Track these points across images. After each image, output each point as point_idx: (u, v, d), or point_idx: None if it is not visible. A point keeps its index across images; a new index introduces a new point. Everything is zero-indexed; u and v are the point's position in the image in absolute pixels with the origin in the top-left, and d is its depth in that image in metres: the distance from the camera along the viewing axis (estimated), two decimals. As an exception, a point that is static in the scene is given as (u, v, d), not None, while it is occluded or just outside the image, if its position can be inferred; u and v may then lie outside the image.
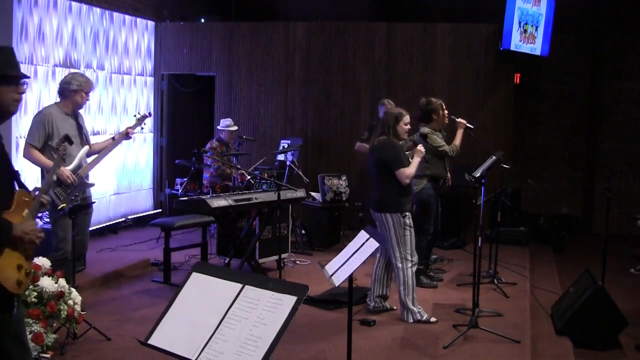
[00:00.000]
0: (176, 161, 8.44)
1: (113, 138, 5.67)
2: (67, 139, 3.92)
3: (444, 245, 8.02)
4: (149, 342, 2.67)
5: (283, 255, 6.78)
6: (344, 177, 8.26)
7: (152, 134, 9.48)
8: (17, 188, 2.95)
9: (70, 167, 5.19)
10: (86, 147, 5.39)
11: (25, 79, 2.96)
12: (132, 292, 6.16)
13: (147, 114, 5.99)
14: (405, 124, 5.41)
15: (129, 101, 8.85)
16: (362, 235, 4.03)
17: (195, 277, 2.81)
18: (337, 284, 3.84)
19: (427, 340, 4.94)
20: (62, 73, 6.98)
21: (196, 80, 10.21)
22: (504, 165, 6.56)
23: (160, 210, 9.58)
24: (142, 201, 9.30)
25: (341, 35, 9.35)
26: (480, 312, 5.25)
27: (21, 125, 6.66)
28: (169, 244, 6.47)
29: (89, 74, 7.47)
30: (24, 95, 2.98)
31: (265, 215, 6.66)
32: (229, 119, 8.29)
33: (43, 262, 4.50)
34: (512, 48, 8.69)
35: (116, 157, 8.38)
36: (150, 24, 9.40)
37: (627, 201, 10.05)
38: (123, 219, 8.75)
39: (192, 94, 10.24)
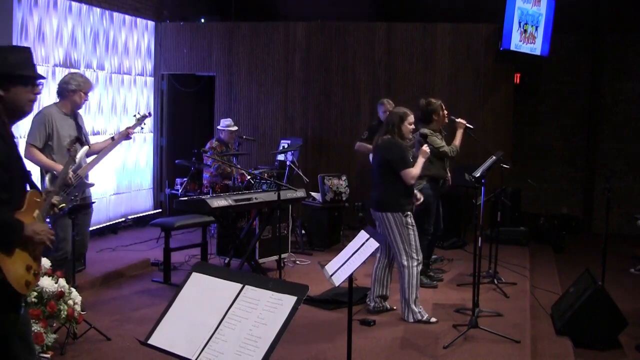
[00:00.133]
0: (176, 161, 8.44)
1: (112, 138, 5.68)
2: (79, 140, 3.94)
3: (444, 245, 8.02)
4: (149, 342, 2.66)
5: (283, 255, 6.78)
6: (344, 177, 8.26)
7: (152, 134, 9.48)
8: (28, 188, 2.95)
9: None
10: (85, 147, 5.38)
11: (41, 80, 2.96)
12: (132, 292, 6.16)
13: (147, 114, 5.99)
14: (410, 124, 5.43)
15: (129, 101, 8.85)
16: (362, 235, 4.03)
17: (195, 277, 2.81)
18: (337, 284, 3.84)
19: (427, 340, 4.94)
20: (62, 73, 6.97)
21: (196, 80, 10.20)
22: (504, 165, 6.56)
23: (160, 210, 9.58)
24: (142, 201, 9.30)
25: (341, 35, 9.35)
26: (480, 312, 5.25)
27: (21, 125, 6.65)
28: (169, 244, 6.47)
29: (89, 74, 7.49)
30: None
31: (265, 215, 6.66)
32: (229, 119, 8.29)
33: (43, 262, 4.49)
34: (512, 48, 8.69)
35: (116, 157, 8.38)
36: (150, 24, 9.40)
37: (627, 201, 10.05)
38: (123, 219, 8.75)
39: (192, 94, 10.24)
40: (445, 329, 5.16)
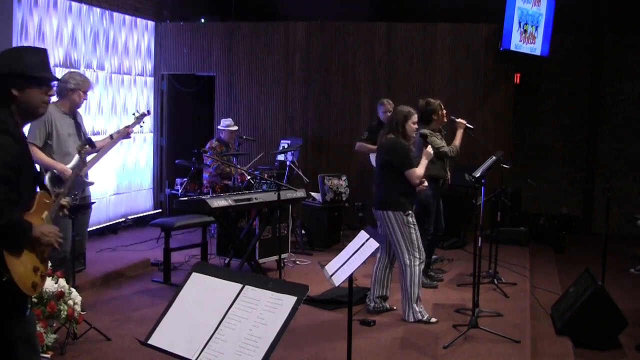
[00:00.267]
0: (176, 161, 8.44)
1: (111, 137, 5.67)
2: (90, 142, 3.93)
3: (444, 245, 8.01)
4: (149, 342, 2.66)
5: (283, 255, 6.78)
6: (344, 177, 8.26)
7: (152, 134, 9.48)
8: (38, 190, 2.94)
9: (70, 165, 5.20)
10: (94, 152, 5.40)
11: (55, 82, 2.96)
12: (132, 292, 6.16)
13: (146, 112, 6.00)
14: (414, 123, 5.46)
15: (129, 101, 8.85)
16: (362, 235, 4.03)
17: (195, 277, 2.80)
18: (337, 284, 3.84)
19: (427, 340, 4.94)
20: (62, 73, 6.95)
21: (196, 80, 10.20)
22: (504, 165, 6.56)
23: (160, 210, 9.58)
24: (142, 201, 9.30)
25: (341, 35, 9.35)
26: (480, 312, 5.25)
27: (21, 125, 6.65)
28: (169, 244, 6.47)
29: (89, 74, 7.48)
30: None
31: (265, 215, 6.65)
32: (229, 119, 8.29)
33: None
34: (512, 48, 8.69)
35: (116, 157, 8.39)
36: (150, 24, 9.40)
37: (627, 201, 10.05)
38: (123, 219, 8.75)
39: (192, 94, 10.24)
40: (445, 329, 5.16)
